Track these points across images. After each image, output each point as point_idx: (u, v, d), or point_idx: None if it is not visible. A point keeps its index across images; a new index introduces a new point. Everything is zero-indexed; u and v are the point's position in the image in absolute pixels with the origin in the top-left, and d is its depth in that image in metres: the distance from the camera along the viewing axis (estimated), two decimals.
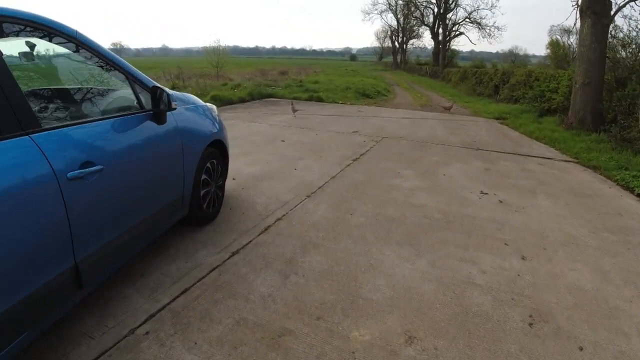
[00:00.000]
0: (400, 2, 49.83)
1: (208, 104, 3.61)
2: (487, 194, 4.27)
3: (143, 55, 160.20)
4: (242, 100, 11.62)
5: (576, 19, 9.57)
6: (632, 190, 4.62)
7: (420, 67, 44.90)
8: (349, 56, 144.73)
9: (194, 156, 2.92)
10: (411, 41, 57.70)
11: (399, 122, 9.06)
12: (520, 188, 4.51)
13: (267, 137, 6.71)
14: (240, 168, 4.84)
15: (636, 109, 7.04)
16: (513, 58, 57.28)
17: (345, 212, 3.59)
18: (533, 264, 2.78)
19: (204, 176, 3.14)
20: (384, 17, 71.74)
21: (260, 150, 5.77)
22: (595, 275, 2.65)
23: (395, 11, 52.74)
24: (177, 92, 3.22)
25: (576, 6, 9.18)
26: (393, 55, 65.26)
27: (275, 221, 3.34)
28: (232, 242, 2.95)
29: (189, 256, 2.73)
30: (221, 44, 21.80)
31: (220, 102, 10.77)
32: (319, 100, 12.66)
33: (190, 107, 3.07)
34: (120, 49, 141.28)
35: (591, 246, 3.10)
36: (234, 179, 4.42)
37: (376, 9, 52.53)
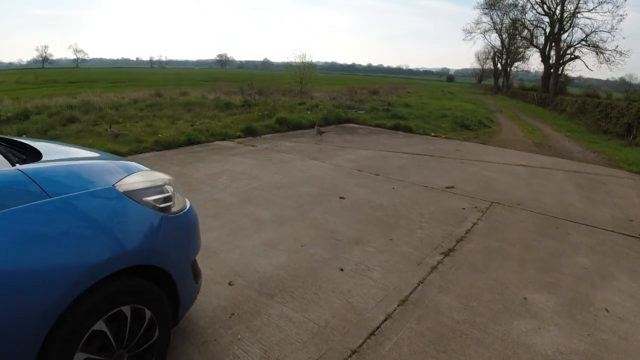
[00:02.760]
0: (507, 21, 44.80)
1: (157, 176, 1.85)
2: None
3: (245, 67, 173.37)
4: (314, 125, 9.95)
5: None
6: None
7: (525, 92, 39.33)
8: (446, 77, 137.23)
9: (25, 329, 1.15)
10: (515, 64, 51.85)
11: (511, 173, 6.49)
12: None
13: (323, 189, 4.80)
14: (255, 256, 3.00)
15: None
16: (626, 87, 47.92)
17: None
18: None
19: (84, 356, 1.35)
20: (486, 37, 65.92)
21: (303, 217, 3.88)
22: None
23: (500, 31, 47.65)
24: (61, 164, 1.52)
25: None
26: (494, 78, 59.83)
27: None
28: None
29: None
30: (306, 59, 20.51)
31: (287, 126, 9.26)
32: (407, 129, 10.44)
33: (48, 202, 1.30)
34: (225, 61, 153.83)
35: None
36: (230, 283, 2.59)
37: (479, 28, 47.68)
